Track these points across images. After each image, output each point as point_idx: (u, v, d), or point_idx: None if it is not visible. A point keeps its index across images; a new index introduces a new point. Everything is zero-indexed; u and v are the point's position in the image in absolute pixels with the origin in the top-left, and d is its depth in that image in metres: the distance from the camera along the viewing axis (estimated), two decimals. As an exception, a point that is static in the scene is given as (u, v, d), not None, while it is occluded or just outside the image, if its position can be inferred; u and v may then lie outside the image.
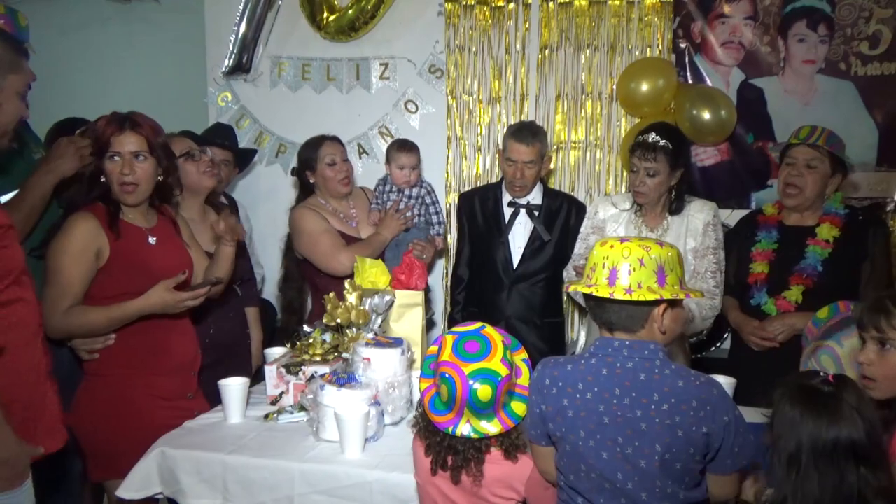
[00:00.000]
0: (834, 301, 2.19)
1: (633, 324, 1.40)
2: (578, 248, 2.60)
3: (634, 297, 1.34)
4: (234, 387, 2.07)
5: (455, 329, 1.58)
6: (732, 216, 2.85)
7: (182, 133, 2.63)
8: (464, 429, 1.50)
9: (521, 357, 1.57)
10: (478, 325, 1.57)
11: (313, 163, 2.76)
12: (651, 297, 1.35)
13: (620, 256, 1.38)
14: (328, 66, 3.55)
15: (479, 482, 1.52)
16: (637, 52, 3.22)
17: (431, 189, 2.91)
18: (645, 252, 1.37)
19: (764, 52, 3.09)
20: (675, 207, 2.41)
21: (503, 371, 1.48)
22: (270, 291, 3.20)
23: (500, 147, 2.84)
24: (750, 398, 1.87)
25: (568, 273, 2.62)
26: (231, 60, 3.55)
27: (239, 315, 2.77)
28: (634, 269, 1.36)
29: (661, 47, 3.20)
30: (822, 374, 1.32)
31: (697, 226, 2.38)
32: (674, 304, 1.42)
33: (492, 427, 1.50)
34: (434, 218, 2.89)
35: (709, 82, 3.15)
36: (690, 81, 3.16)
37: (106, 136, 2.02)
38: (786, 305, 2.26)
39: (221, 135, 3.09)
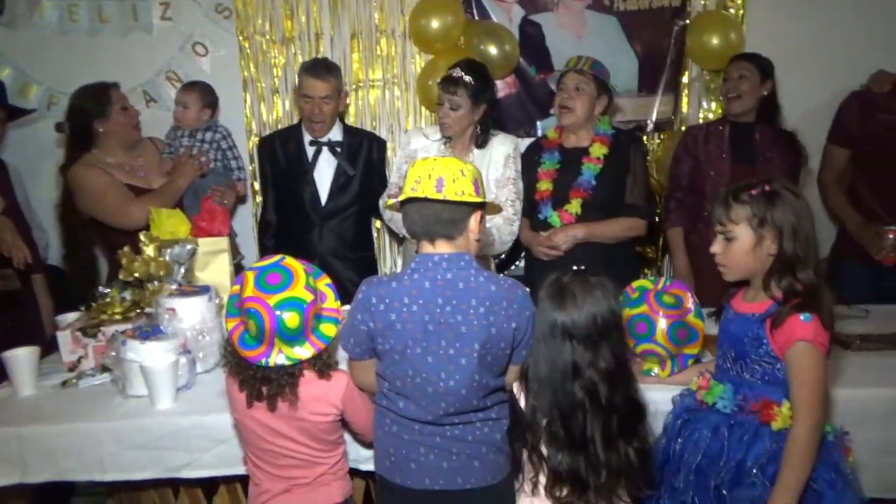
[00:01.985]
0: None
1: (453, 230, 1.54)
2: (394, 177, 2.70)
3: (465, 199, 1.50)
4: (20, 357, 1.92)
5: (254, 265, 1.58)
6: (522, 144, 3.07)
7: None
8: (277, 358, 1.53)
9: (324, 282, 1.63)
10: (277, 257, 1.59)
11: (105, 109, 2.61)
12: (476, 199, 1.52)
13: (445, 168, 1.52)
14: (99, 7, 3.23)
15: (296, 405, 1.57)
16: (426, -9, 3.30)
17: (227, 134, 2.83)
18: (462, 165, 1.54)
19: (540, -11, 3.32)
20: (481, 142, 2.59)
21: (308, 297, 1.52)
22: (56, 257, 2.93)
23: (296, 85, 2.81)
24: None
25: (383, 203, 2.70)
26: (-23, 0, 3.10)
27: (24, 284, 2.52)
28: (457, 179, 1.51)
29: (447, -15, 3.30)
30: (574, 267, 1.57)
31: (499, 158, 2.57)
32: (482, 215, 1.59)
33: (304, 351, 1.55)
34: (233, 163, 2.83)
35: (493, 18, 3.31)
36: (477, 18, 3.31)
37: None
38: (567, 217, 2.53)
39: None
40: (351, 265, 2.81)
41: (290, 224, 2.83)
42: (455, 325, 1.49)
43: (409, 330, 1.50)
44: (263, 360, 1.54)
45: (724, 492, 1.57)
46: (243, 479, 1.91)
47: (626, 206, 2.55)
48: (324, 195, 2.78)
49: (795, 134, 2.82)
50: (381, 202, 2.73)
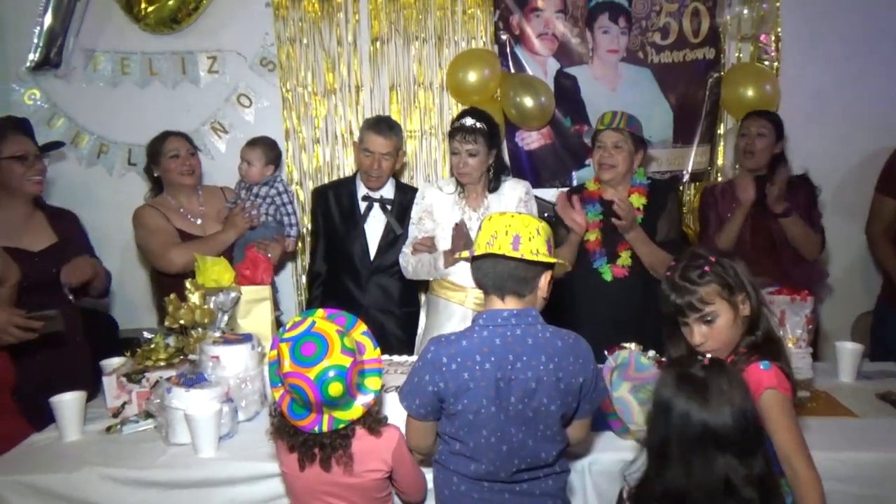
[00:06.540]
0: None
1: (524, 288, 1.55)
2: (412, 231, 2.72)
3: (540, 259, 1.52)
4: (68, 402, 1.95)
5: (286, 335, 1.53)
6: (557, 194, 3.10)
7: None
8: (328, 423, 1.53)
9: (359, 332, 1.60)
10: (307, 322, 1.54)
11: (158, 157, 2.79)
12: (550, 259, 1.54)
13: (521, 225, 1.54)
14: (150, 60, 3.38)
15: (351, 466, 1.56)
16: (463, 44, 3.39)
17: (286, 189, 2.89)
18: (538, 223, 1.56)
19: (575, 43, 3.38)
20: (493, 186, 2.63)
21: (346, 361, 1.49)
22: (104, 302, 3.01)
23: (357, 139, 2.89)
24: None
25: (404, 257, 2.70)
26: (37, 55, 3.26)
27: (70, 325, 2.59)
28: (532, 238, 1.53)
29: (484, 39, 3.39)
30: (700, 357, 1.44)
31: (513, 201, 2.62)
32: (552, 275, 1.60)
33: (354, 413, 1.54)
34: (287, 219, 2.87)
35: (529, 71, 3.38)
36: (513, 70, 3.38)
37: None
38: (619, 271, 2.55)
39: (19, 129, 2.81)
40: (396, 321, 2.83)
41: (338, 276, 2.86)
42: (525, 381, 1.49)
43: (482, 388, 1.50)
44: (316, 428, 1.53)
45: None
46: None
47: (659, 243, 2.55)
48: (373, 250, 2.82)
49: (807, 173, 2.83)
50: (400, 257, 2.73)
